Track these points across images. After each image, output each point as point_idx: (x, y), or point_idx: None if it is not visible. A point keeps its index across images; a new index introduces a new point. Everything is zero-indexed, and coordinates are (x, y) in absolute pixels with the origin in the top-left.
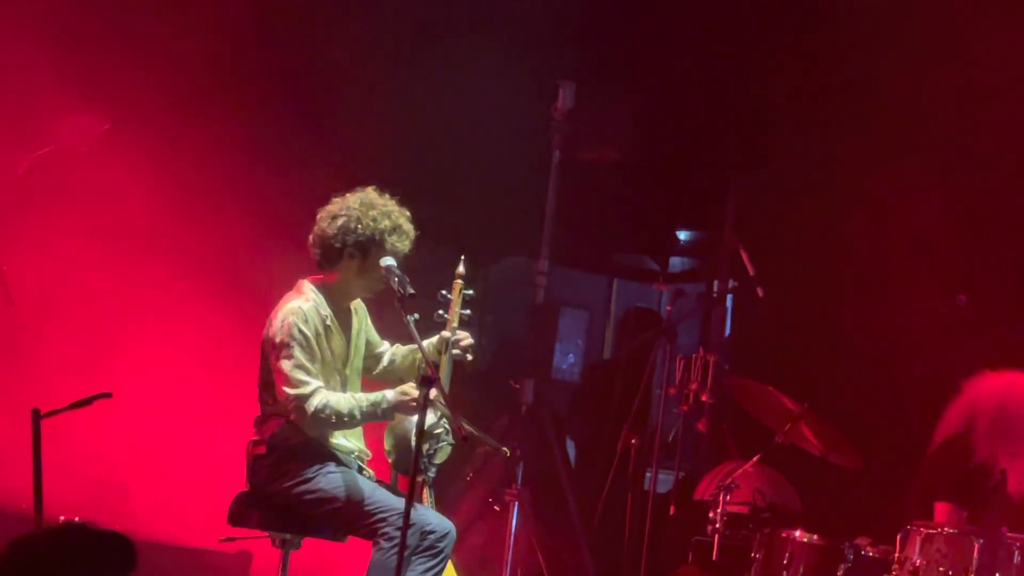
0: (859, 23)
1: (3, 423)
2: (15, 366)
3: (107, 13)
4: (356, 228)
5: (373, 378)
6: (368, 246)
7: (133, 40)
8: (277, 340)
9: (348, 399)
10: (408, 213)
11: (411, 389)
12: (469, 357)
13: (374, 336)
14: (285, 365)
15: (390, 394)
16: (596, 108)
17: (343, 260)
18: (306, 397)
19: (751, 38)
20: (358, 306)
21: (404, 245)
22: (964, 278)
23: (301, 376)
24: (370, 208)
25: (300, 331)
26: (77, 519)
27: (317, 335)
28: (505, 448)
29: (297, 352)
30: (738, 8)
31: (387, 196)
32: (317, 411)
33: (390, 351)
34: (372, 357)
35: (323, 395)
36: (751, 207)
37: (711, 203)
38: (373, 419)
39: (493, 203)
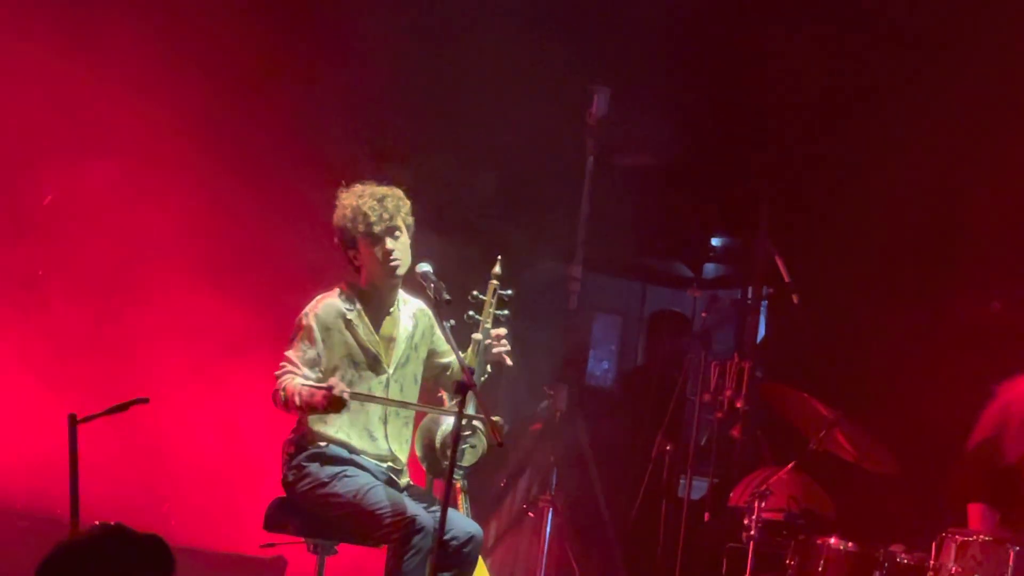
0: (897, 25)
1: (40, 428)
2: (52, 371)
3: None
4: (339, 231)
5: (442, 387)
6: (352, 241)
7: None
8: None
9: (300, 383)
10: (383, 191)
11: (333, 382)
12: (509, 362)
13: (442, 345)
14: (285, 352)
15: (322, 387)
16: (630, 114)
17: (353, 262)
18: (277, 379)
19: (786, 42)
20: (422, 312)
21: (376, 221)
22: (999, 284)
23: (284, 363)
24: (339, 208)
25: (306, 322)
26: (114, 522)
27: (329, 329)
28: (499, 441)
29: (295, 342)
30: (773, 12)
31: (360, 185)
32: (275, 391)
33: (453, 362)
34: (438, 366)
35: (286, 379)
36: (785, 213)
37: (745, 209)
38: (315, 410)
39: (527, 209)
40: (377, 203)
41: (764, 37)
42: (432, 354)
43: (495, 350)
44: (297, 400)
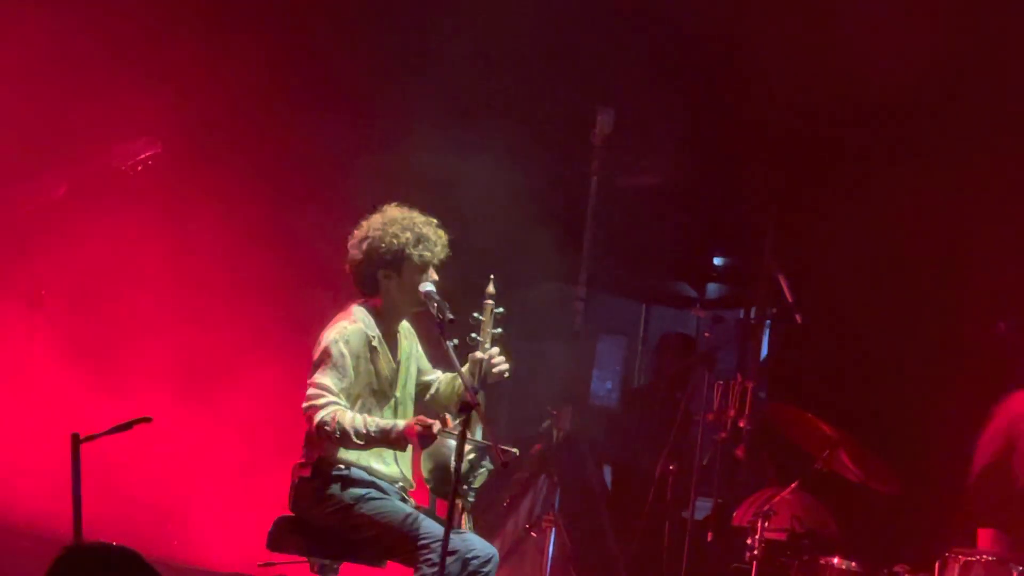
0: (901, 45)
1: (42, 448)
2: (54, 390)
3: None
4: (381, 247)
5: (423, 406)
6: (397, 262)
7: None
8: (315, 358)
9: (358, 418)
10: (435, 221)
11: (426, 419)
12: (507, 375)
13: (425, 363)
14: (313, 379)
15: (401, 423)
16: (635, 134)
17: (380, 282)
18: (317, 408)
19: (790, 62)
20: (408, 332)
21: (433, 253)
22: (1003, 305)
23: (319, 390)
24: (391, 224)
25: (338, 351)
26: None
27: (358, 357)
28: (515, 449)
29: (327, 369)
30: (777, 33)
31: (407, 209)
32: (323, 422)
33: (437, 380)
34: (421, 384)
35: (333, 408)
36: (789, 233)
37: (748, 229)
38: (383, 444)
39: (530, 229)
40: (436, 234)
41: (768, 58)
42: (419, 372)
43: (495, 369)
44: (364, 434)
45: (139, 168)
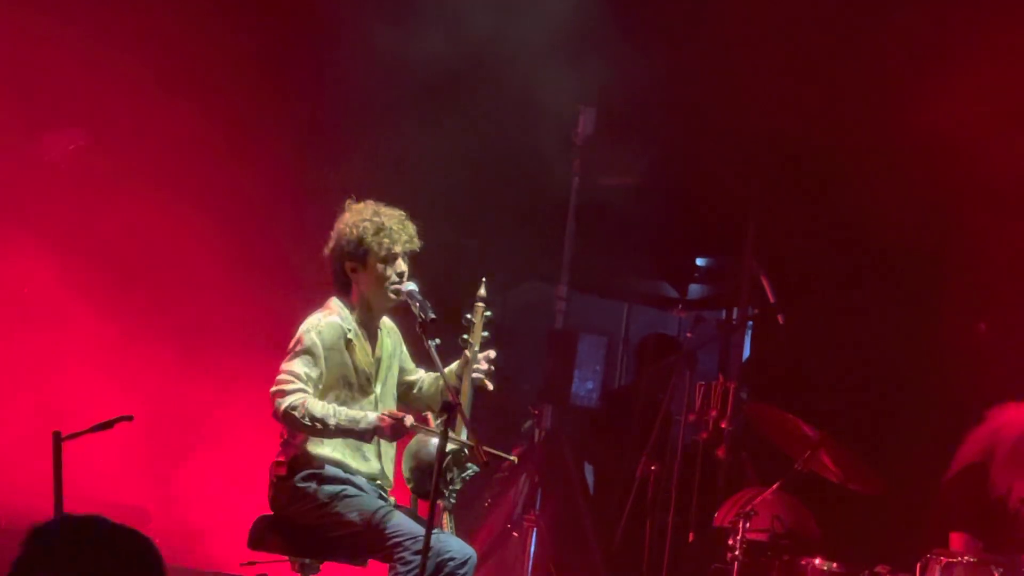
0: (881, 46)
1: (24, 446)
2: (36, 389)
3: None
4: (343, 241)
5: (404, 405)
6: (360, 253)
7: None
8: (288, 348)
9: (326, 406)
10: (401, 212)
11: (397, 412)
12: (489, 386)
13: (408, 363)
14: (283, 365)
15: (372, 414)
16: (616, 134)
17: (350, 276)
18: (284, 393)
19: (772, 62)
20: (391, 329)
21: (396, 242)
22: (985, 305)
23: (289, 376)
24: (353, 216)
25: (310, 340)
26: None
27: (331, 349)
28: (513, 457)
29: (298, 358)
30: (759, 33)
31: (373, 202)
32: (289, 408)
33: (420, 379)
34: (404, 383)
35: (301, 396)
36: (771, 233)
37: (731, 230)
38: (350, 435)
39: (512, 228)
40: (400, 223)
41: (749, 58)
42: (402, 371)
43: (474, 375)
44: (333, 424)
45: (68, 159)
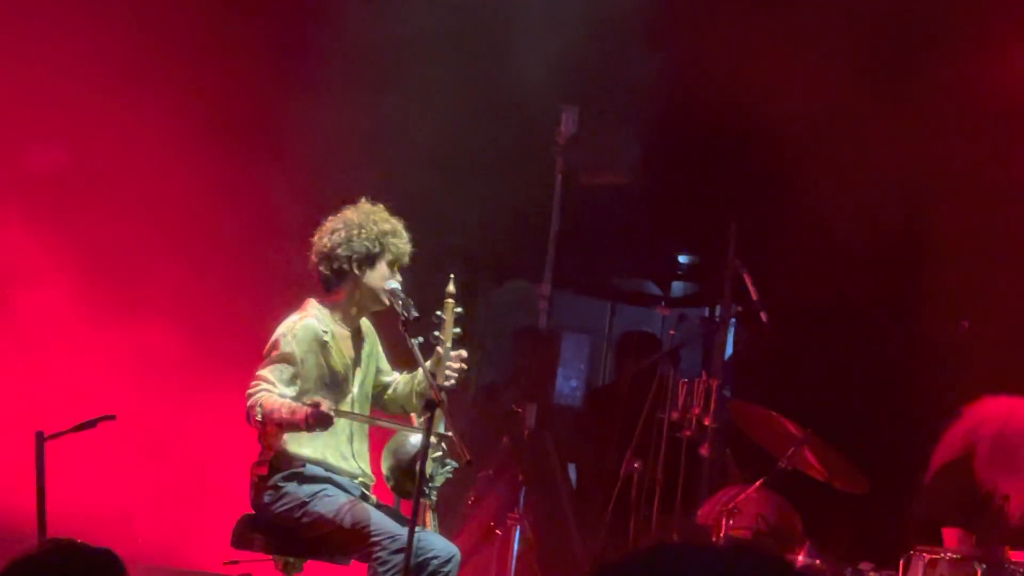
0: (865, 49)
1: (6, 445)
2: (18, 388)
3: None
4: (360, 235)
5: (380, 406)
6: (374, 254)
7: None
8: (264, 352)
9: (274, 400)
10: (395, 219)
11: (318, 400)
12: (449, 383)
13: (384, 364)
14: (256, 372)
15: (305, 407)
16: (599, 132)
17: (350, 273)
18: (249, 396)
19: (755, 62)
20: (368, 330)
21: (405, 248)
22: (967, 303)
23: (257, 381)
24: (370, 214)
25: (285, 343)
26: (66, 538)
27: (308, 352)
28: (468, 458)
29: (270, 363)
30: (743, 33)
31: (373, 204)
32: (249, 407)
33: (395, 380)
34: (379, 385)
35: (262, 394)
36: (754, 231)
37: (713, 227)
38: (290, 428)
39: (495, 227)
40: (402, 232)
41: (734, 57)
42: (378, 372)
43: (447, 378)
44: (277, 416)
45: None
